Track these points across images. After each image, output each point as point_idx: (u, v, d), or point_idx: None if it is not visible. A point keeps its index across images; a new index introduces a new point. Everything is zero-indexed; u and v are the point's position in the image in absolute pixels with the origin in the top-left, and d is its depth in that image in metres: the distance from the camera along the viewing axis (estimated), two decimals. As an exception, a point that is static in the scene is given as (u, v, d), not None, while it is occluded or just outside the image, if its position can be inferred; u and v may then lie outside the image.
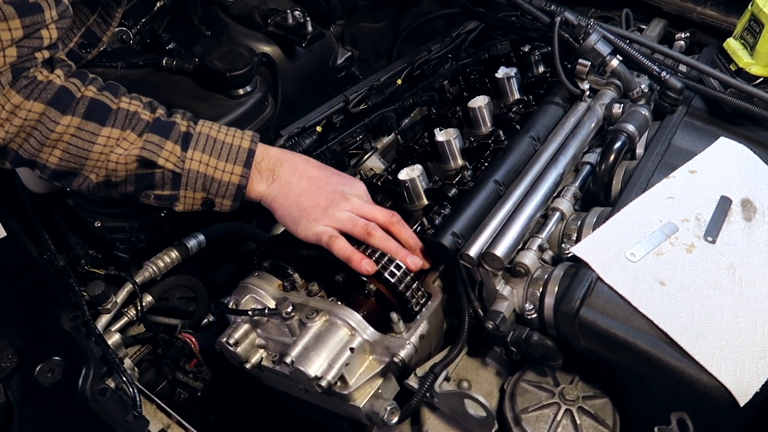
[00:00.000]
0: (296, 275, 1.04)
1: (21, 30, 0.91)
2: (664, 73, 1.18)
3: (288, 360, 0.92)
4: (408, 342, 0.92)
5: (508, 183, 1.09)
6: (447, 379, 0.94)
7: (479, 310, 1.00)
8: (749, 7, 1.14)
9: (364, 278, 0.98)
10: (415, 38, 1.60)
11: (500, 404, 0.96)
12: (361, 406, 0.92)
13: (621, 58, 1.20)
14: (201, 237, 1.24)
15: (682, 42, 1.39)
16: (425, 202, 1.17)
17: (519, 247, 1.00)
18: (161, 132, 1.00)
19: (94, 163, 0.98)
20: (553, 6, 1.27)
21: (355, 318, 0.95)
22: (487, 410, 0.86)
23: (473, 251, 0.95)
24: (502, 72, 1.39)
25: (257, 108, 1.21)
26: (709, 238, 0.98)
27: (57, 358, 0.93)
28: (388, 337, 0.94)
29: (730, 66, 1.18)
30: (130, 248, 1.21)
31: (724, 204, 1.03)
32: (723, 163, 1.10)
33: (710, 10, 1.38)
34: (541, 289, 0.96)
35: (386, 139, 1.46)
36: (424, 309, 0.98)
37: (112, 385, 0.93)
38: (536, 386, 0.94)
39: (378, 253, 0.98)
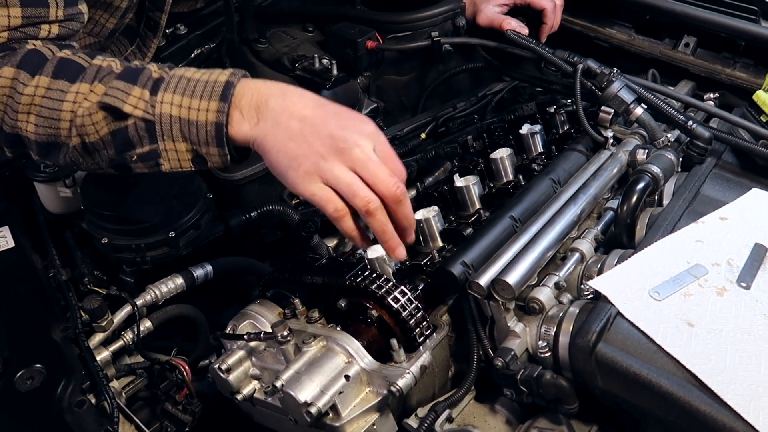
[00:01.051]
0: (297, 301, 0.99)
1: (20, 19, 0.90)
2: (690, 123, 1.15)
3: (278, 383, 0.85)
4: (407, 371, 0.85)
5: (524, 220, 1.04)
6: (449, 419, 0.86)
7: (488, 349, 0.93)
8: (779, 57, 1.12)
9: (367, 305, 0.93)
10: (439, 95, 1.62)
11: (508, 454, 0.86)
12: (353, 440, 0.84)
13: (645, 107, 1.18)
14: (209, 267, 1.21)
15: (711, 102, 1.37)
16: (440, 243, 1.12)
17: (534, 282, 0.94)
18: (128, 78, 0.87)
19: (66, 124, 0.88)
20: (576, 57, 1.27)
21: (354, 345, 0.89)
22: (491, 451, 0.77)
23: (483, 280, 0.89)
24: (526, 128, 1.38)
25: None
26: (743, 284, 0.90)
27: (39, 366, 0.89)
28: (387, 367, 0.87)
29: (761, 117, 1.14)
30: (135, 272, 1.18)
31: (759, 251, 0.96)
32: (756, 212, 1.04)
33: (739, 71, 1.37)
34: (555, 327, 0.89)
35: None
36: (428, 341, 0.91)
37: (93, 400, 0.88)
38: (549, 433, 0.85)
39: (383, 278, 0.93)
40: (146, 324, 1.12)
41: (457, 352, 0.99)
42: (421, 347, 0.90)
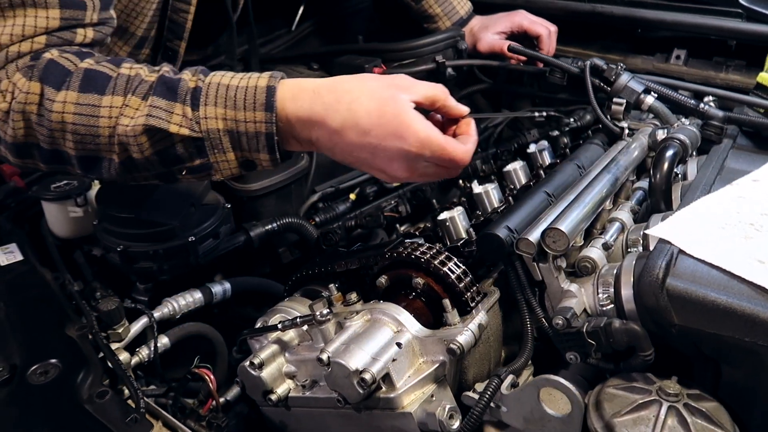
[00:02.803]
0: (332, 286, 0.93)
1: (58, 21, 0.88)
2: (702, 105, 1.17)
3: (324, 356, 0.77)
4: (466, 328, 0.78)
5: (557, 195, 1.02)
6: (514, 385, 0.78)
7: (542, 318, 0.87)
8: (775, 38, 1.17)
9: (411, 275, 0.87)
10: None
11: (584, 418, 0.77)
12: (412, 411, 0.75)
13: (655, 95, 1.20)
14: (227, 285, 1.15)
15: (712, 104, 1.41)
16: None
17: (581, 243, 0.90)
18: (167, 93, 0.85)
19: (107, 140, 0.86)
20: (580, 62, 1.32)
21: (402, 313, 0.82)
22: (572, 396, 0.69)
23: (532, 237, 0.85)
24: (533, 147, 1.39)
25: (294, 156, 1.20)
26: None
27: (53, 360, 0.80)
28: (442, 331, 0.80)
29: (768, 95, 1.17)
30: (150, 290, 1.11)
31: (801, 203, 0.95)
32: (786, 174, 1.03)
33: (733, 74, 1.42)
34: (614, 281, 0.84)
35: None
36: (480, 304, 0.84)
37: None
38: (626, 389, 0.77)
39: (425, 246, 0.89)
40: (163, 340, 1.03)
41: (506, 335, 0.92)
42: (474, 310, 0.83)
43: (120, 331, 0.95)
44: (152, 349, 1.00)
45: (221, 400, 0.97)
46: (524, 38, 1.55)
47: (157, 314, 1.03)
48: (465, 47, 1.52)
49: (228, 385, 1.02)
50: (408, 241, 0.91)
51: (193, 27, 1.28)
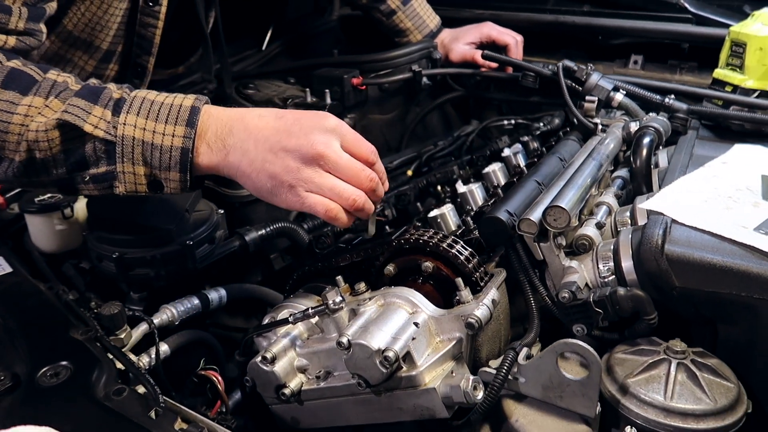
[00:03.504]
0: (339, 278, 0.93)
1: None
2: (666, 99, 1.26)
3: (344, 340, 0.78)
4: (482, 303, 0.80)
5: (546, 184, 1.07)
6: (529, 357, 0.81)
7: (545, 297, 0.90)
8: (727, 37, 1.27)
9: (420, 260, 0.89)
10: (418, 135, 1.70)
11: (597, 384, 0.80)
12: (435, 386, 0.76)
13: (624, 92, 1.28)
14: (222, 292, 1.13)
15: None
16: (456, 236, 1.12)
17: (576, 224, 0.95)
18: (89, 97, 0.85)
19: (15, 138, 0.83)
20: (550, 66, 1.39)
21: (416, 295, 0.84)
22: (591, 356, 0.72)
23: (534, 216, 0.89)
24: (508, 150, 1.45)
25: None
26: (768, 199, 0.95)
27: (64, 362, 0.78)
28: (456, 308, 0.82)
29: (726, 88, 1.27)
30: (144, 299, 1.08)
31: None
32: (747, 157, 1.12)
33: (686, 75, 1.53)
34: (613, 255, 0.88)
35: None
36: (490, 282, 0.87)
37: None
38: (634, 353, 0.81)
39: (432, 232, 0.91)
40: (162, 347, 1.01)
41: (510, 317, 0.95)
42: (485, 288, 0.86)
43: (122, 336, 0.92)
44: (153, 356, 0.97)
45: (226, 405, 0.95)
46: (493, 48, 1.62)
47: (156, 321, 1.00)
48: (439, 57, 1.58)
49: (227, 392, 1.01)
50: (412, 229, 0.93)
51: (163, 44, 1.28)
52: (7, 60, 0.87)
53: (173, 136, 0.85)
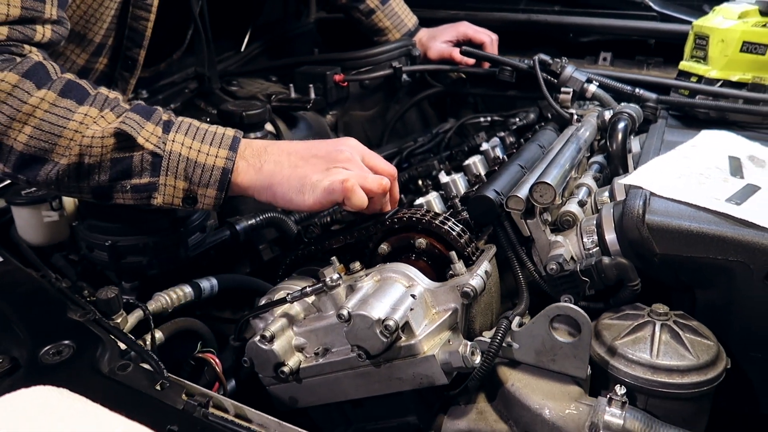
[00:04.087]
0: (334, 258, 0.96)
1: (19, 9, 0.90)
2: (637, 90, 1.32)
3: (344, 312, 0.80)
4: (476, 273, 0.84)
5: (529, 167, 1.11)
6: (521, 325, 0.84)
7: (533, 271, 0.94)
8: (690, 31, 1.35)
9: (413, 238, 0.92)
10: (398, 132, 1.74)
11: (585, 349, 0.84)
12: (434, 353, 0.79)
13: (598, 83, 1.35)
14: (214, 281, 1.14)
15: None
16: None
17: (559, 202, 0.99)
18: (142, 113, 0.93)
19: (67, 142, 0.89)
20: (526, 61, 1.45)
21: (411, 269, 0.87)
22: (581, 317, 0.76)
23: (521, 193, 0.93)
24: (486, 145, 1.50)
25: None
26: (737, 176, 1.01)
27: (66, 341, 0.78)
28: (451, 280, 0.85)
29: (691, 79, 1.34)
30: (136, 289, 1.09)
31: (735, 160, 1.09)
32: (714, 141, 1.19)
33: (653, 70, 1.61)
34: (596, 228, 0.93)
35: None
36: (482, 256, 0.91)
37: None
38: (619, 318, 0.85)
39: (423, 210, 0.94)
40: (157, 334, 1.01)
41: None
42: (477, 262, 0.89)
43: (119, 321, 0.93)
44: (148, 342, 0.98)
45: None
46: (469, 46, 1.67)
47: (150, 307, 1.01)
48: (418, 54, 1.63)
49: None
50: (404, 209, 0.96)
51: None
52: (62, 72, 0.93)
53: (216, 157, 0.94)
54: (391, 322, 0.78)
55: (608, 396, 0.73)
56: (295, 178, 0.94)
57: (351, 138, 1.01)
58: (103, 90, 0.95)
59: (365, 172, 0.95)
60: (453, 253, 0.87)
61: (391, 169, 1.00)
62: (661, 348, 0.79)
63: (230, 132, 0.97)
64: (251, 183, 0.96)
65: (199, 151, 0.94)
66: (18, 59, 0.90)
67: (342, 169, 0.94)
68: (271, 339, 0.89)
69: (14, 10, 0.90)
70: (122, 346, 0.81)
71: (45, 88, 0.89)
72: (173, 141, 0.93)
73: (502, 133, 1.65)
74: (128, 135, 0.90)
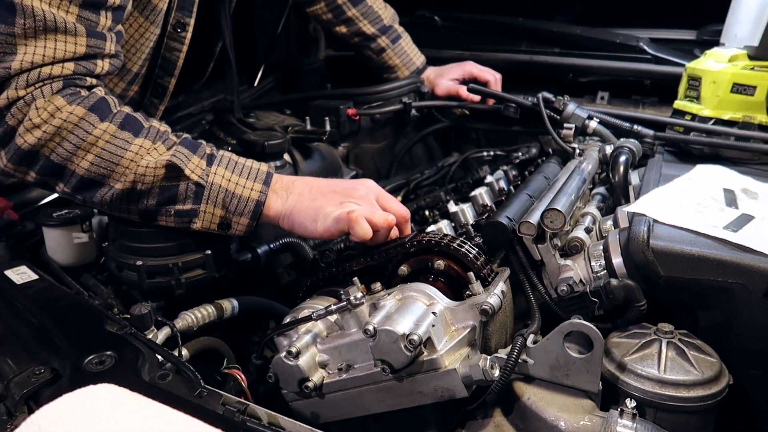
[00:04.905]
0: (355, 278, 1.01)
1: (84, 48, 1.00)
2: (635, 126, 1.41)
3: (370, 327, 0.85)
4: (493, 292, 0.89)
5: (537, 196, 1.18)
6: (535, 342, 0.89)
7: (544, 293, 1.00)
8: (684, 73, 1.44)
9: (431, 260, 0.98)
10: (405, 164, 1.81)
11: (596, 366, 0.89)
12: (455, 367, 0.84)
13: (598, 119, 1.43)
14: (235, 302, 1.19)
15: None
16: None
17: (568, 228, 1.06)
18: (190, 147, 1.05)
19: (123, 170, 1.00)
20: (529, 98, 1.53)
21: (431, 289, 0.92)
22: (594, 333, 0.81)
23: (532, 219, 0.99)
24: (490, 177, 1.57)
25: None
26: (732, 206, 1.08)
27: (108, 352, 0.82)
28: (470, 299, 0.91)
29: (685, 117, 1.43)
30: (162, 308, 1.13)
31: (730, 192, 1.16)
32: (709, 175, 1.26)
33: (648, 109, 1.70)
34: (603, 253, 0.99)
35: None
36: (497, 276, 0.96)
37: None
38: (627, 336, 0.90)
39: (441, 234, 1.00)
40: (183, 352, 1.05)
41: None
42: (493, 283, 0.94)
43: (150, 336, 0.97)
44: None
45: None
46: (474, 84, 1.76)
47: (178, 325, 1.05)
48: (427, 90, 1.71)
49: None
50: (423, 233, 1.02)
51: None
52: (120, 106, 1.05)
53: (251, 190, 1.06)
54: (415, 337, 0.83)
55: (619, 408, 0.78)
56: (312, 208, 1.05)
57: (370, 180, 1.13)
58: (155, 123, 1.06)
59: (374, 209, 1.05)
60: (471, 274, 0.92)
61: (403, 210, 1.10)
62: (668, 364, 0.84)
63: (264, 167, 1.09)
64: (277, 213, 1.08)
65: (237, 183, 1.05)
66: (83, 93, 1.01)
67: (354, 203, 1.04)
68: (297, 355, 0.94)
69: (81, 48, 1.01)
70: (159, 357, 0.85)
71: (107, 121, 1.00)
72: (215, 173, 1.05)
73: (505, 167, 1.72)
74: (177, 167, 1.01)
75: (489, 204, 1.39)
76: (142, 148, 1.01)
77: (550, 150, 1.60)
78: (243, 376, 1.00)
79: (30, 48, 0.96)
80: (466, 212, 1.32)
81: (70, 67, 1.00)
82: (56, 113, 0.97)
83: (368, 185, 1.10)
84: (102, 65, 1.06)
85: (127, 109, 1.04)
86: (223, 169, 1.06)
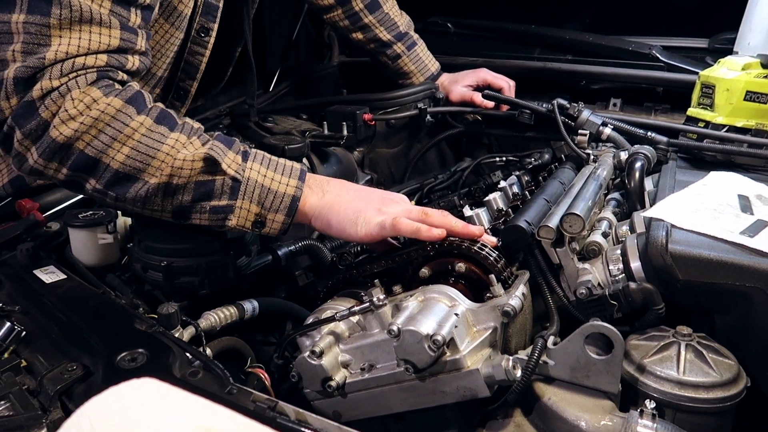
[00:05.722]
0: (377, 281, 1.03)
1: (118, 41, 1.00)
2: (649, 133, 1.42)
3: (394, 327, 0.87)
4: (514, 294, 0.91)
5: (554, 201, 1.20)
6: (555, 344, 0.91)
7: (562, 297, 1.01)
8: (697, 80, 1.46)
9: (452, 263, 0.99)
10: (419, 169, 1.83)
11: (615, 367, 0.91)
12: (478, 367, 0.86)
13: (612, 126, 1.45)
14: (255, 303, 1.20)
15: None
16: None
17: (586, 233, 1.07)
18: (225, 142, 1.05)
19: (159, 163, 0.98)
20: (544, 105, 1.55)
21: (453, 291, 0.94)
22: (614, 335, 0.83)
23: (551, 223, 1.01)
24: (503, 182, 1.59)
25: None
26: (747, 212, 1.10)
27: (140, 349, 0.84)
28: (491, 301, 0.93)
29: (698, 125, 1.44)
30: (184, 308, 1.15)
31: (744, 198, 1.18)
32: (723, 181, 1.28)
33: (660, 116, 1.72)
34: (621, 257, 1.00)
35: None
36: (517, 279, 0.98)
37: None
38: (646, 339, 0.92)
39: (461, 239, 1.02)
40: (207, 351, 1.07)
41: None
42: (513, 285, 0.96)
43: (176, 335, 0.99)
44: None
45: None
46: (488, 90, 1.78)
47: (202, 324, 1.07)
48: (442, 96, 1.73)
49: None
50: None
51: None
52: (155, 102, 1.04)
53: (287, 186, 1.06)
54: (438, 337, 0.84)
55: (639, 409, 0.80)
56: (351, 210, 1.06)
57: (403, 197, 1.14)
58: (188, 120, 1.06)
59: (410, 208, 1.07)
60: (492, 276, 0.94)
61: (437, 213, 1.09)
62: (687, 366, 0.85)
63: (297, 165, 1.09)
64: (313, 210, 1.07)
65: (272, 179, 1.05)
66: (118, 86, 1.01)
67: (391, 209, 1.06)
68: (320, 355, 0.95)
69: (114, 41, 1.01)
70: (188, 355, 0.87)
71: (143, 114, 1.00)
72: (251, 169, 1.04)
73: (518, 172, 1.74)
74: (215, 160, 1.00)
75: (504, 208, 1.41)
76: (178, 142, 1.01)
77: (563, 156, 1.62)
78: (267, 375, 1.02)
79: (65, 39, 0.96)
80: (482, 216, 1.34)
81: (103, 58, 1.00)
82: (93, 105, 0.96)
83: (402, 197, 1.12)
84: (133, 61, 1.06)
85: (160, 105, 1.04)
86: (258, 165, 1.05)
